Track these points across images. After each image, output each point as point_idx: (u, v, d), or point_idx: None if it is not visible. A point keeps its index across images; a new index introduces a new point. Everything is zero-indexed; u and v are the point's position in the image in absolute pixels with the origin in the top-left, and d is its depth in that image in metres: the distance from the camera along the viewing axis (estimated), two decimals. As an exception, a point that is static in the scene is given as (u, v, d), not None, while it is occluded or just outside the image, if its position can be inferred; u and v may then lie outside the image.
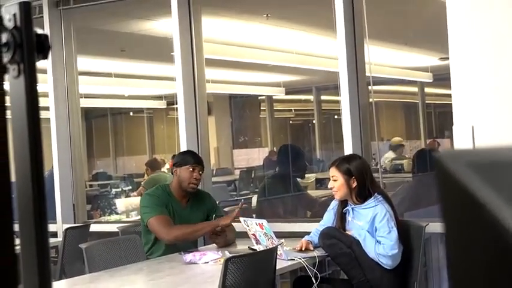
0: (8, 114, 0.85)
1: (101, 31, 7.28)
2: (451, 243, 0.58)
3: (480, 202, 0.50)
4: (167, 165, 8.43)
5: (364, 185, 3.78)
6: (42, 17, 5.65)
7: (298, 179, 6.17)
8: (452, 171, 0.53)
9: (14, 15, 0.83)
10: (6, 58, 0.83)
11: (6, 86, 0.85)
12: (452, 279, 0.57)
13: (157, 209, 4.01)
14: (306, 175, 6.73)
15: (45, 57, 0.85)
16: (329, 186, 3.92)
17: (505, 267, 0.50)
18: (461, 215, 0.54)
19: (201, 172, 4.19)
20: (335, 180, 3.82)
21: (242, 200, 4.33)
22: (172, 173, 4.26)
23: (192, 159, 4.18)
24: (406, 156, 9.19)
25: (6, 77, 0.84)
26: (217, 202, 4.56)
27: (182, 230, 3.97)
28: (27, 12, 0.83)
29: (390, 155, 8.91)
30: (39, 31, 0.85)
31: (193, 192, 4.17)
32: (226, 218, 4.06)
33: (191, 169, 4.13)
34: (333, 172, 3.84)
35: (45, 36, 0.85)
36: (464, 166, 0.53)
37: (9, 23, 0.83)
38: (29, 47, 0.83)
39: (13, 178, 0.86)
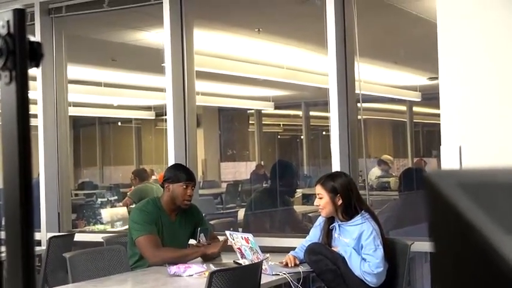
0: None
1: (92, 40, 7.28)
2: (438, 262, 0.58)
3: (469, 223, 0.51)
4: (154, 177, 8.40)
5: (349, 203, 3.79)
6: (34, 24, 5.64)
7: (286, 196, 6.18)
8: (442, 191, 0.54)
9: (8, 21, 0.83)
10: (-2, 64, 0.83)
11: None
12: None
13: (147, 228, 4.00)
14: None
15: (37, 65, 0.85)
16: (315, 204, 3.93)
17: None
18: (450, 235, 0.55)
19: (193, 188, 4.20)
20: (320, 198, 3.84)
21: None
22: (162, 187, 4.25)
23: (184, 175, 4.16)
24: (393, 174, 9.22)
25: (-2, 83, 0.84)
26: (203, 214, 4.55)
27: (170, 254, 3.95)
28: (21, 19, 0.83)
29: (376, 171, 8.96)
30: (33, 39, 0.85)
31: (186, 207, 4.18)
32: (215, 246, 4.05)
33: (184, 186, 4.12)
34: (319, 190, 3.85)
35: (38, 44, 0.85)
36: (453, 186, 0.53)
37: (2, 30, 0.83)
38: (22, 54, 0.83)
39: (1, 185, 0.85)
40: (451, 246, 0.55)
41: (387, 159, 9.40)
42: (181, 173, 4.19)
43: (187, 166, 4.64)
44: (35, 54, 0.85)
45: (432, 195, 0.55)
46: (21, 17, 0.83)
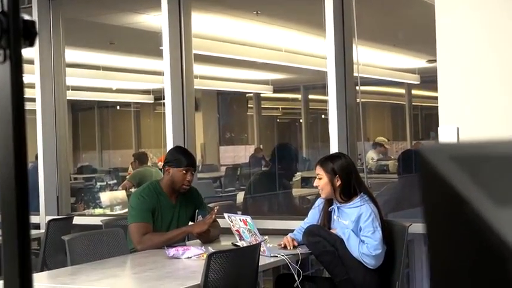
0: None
1: (90, 23, 7.25)
2: (432, 238, 0.58)
3: (463, 197, 0.50)
4: (155, 160, 8.41)
5: (348, 184, 3.79)
6: (31, 6, 5.61)
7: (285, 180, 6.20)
8: (435, 165, 0.53)
9: (1, 0, 0.82)
10: (-8, 43, 0.82)
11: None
12: (433, 275, 0.57)
13: (142, 215, 3.99)
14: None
15: (31, 43, 0.85)
16: (314, 184, 3.95)
17: (486, 264, 0.50)
18: (444, 209, 0.54)
19: (193, 173, 4.18)
20: (320, 179, 3.84)
21: (217, 207, 4.32)
22: (162, 170, 4.25)
23: (185, 161, 4.13)
24: (392, 157, 9.23)
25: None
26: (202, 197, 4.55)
27: (154, 240, 3.95)
28: (14, -3, 0.83)
29: (372, 153, 8.97)
30: (26, 17, 0.84)
31: (184, 192, 4.18)
32: (201, 225, 4.03)
33: (184, 171, 4.10)
34: (318, 170, 3.86)
35: (32, 22, 0.84)
36: (447, 160, 0.53)
37: (-4, 8, 0.82)
38: (16, 32, 0.82)
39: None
40: (444, 221, 0.55)
41: (381, 141, 9.40)
42: (182, 157, 4.17)
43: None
44: (29, 33, 0.84)
45: (426, 169, 0.55)
46: (14, -5, 0.82)
